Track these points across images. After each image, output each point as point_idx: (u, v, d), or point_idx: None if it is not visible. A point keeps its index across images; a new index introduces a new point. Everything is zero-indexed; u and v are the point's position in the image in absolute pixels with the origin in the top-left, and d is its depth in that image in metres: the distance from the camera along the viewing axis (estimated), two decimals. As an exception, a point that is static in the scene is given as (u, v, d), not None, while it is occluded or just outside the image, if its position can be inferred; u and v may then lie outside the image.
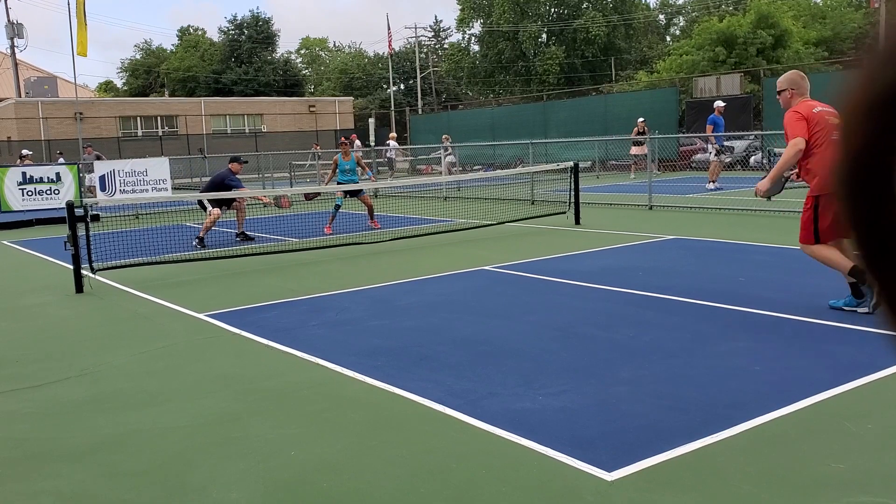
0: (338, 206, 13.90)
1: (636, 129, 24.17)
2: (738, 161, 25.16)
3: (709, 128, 19.03)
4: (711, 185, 18.44)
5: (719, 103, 19.70)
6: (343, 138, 15.24)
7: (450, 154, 25.90)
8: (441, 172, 26.09)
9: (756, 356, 5.30)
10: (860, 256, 0.50)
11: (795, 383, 4.69)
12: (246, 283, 9.08)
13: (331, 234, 13.30)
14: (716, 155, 18.71)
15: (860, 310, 6.19)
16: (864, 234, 0.48)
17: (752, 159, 24.20)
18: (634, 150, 24.14)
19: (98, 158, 21.47)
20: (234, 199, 13.00)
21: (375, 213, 14.46)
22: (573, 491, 3.45)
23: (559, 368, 5.22)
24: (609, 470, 3.61)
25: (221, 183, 12.64)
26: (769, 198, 7.18)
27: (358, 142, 35.40)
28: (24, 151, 23.40)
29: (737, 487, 3.41)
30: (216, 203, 12.67)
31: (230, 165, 12.98)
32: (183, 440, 4.29)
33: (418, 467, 3.79)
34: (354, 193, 13.90)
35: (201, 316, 7.40)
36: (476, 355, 5.62)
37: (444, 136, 28.07)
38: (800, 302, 6.76)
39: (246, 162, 13.45)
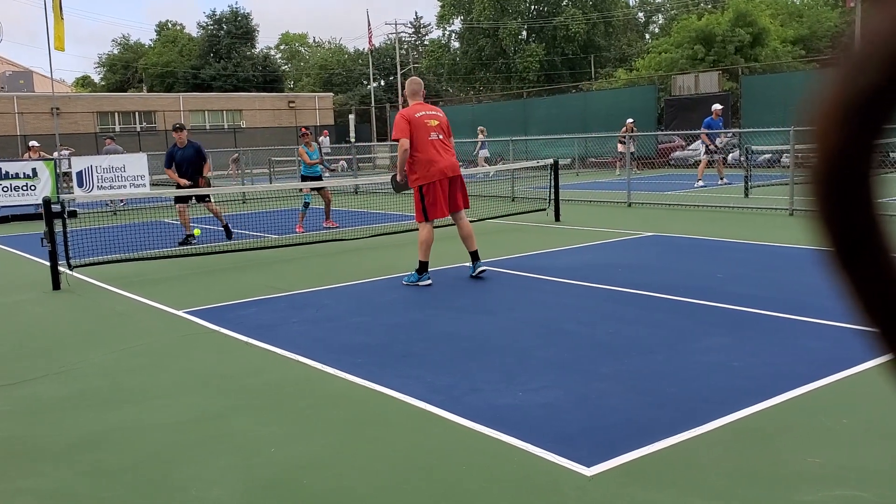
0: (307, 204, 13.51)
1: (625, 128, 24.11)
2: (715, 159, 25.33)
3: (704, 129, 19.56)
4: (701, 183, 18.93)
5: (717, 106, 20.06)
6: (304, 128, 14.63)
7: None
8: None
9: (734, 352, 5.35)
10: (833, 256, 0.51)
11: (773, 379, 4.75)
12: (225, 280, 9.04)
13: (303, 232, 12.97)
14: (706, 153, 19.28)
15: (422, 283, 8.14)
16: (837, 235, 0.50)
17: (730, 156, 24.38)
18: (622, 148, 24.19)
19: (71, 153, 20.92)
20: (204, 196, 12.47)
21: (357, 211, 14.36)
22: (553, 486, 3.48)
23: (540, 364, 5.25)
24: (588, 465, 3.64)
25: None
26: (398, 192, 8.83)
27: (326, 138, 35.10)
28: (33, 143, 22.83)
29: (714, 482, 3.45)
30: (178, 198, 12.33)
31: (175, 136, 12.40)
32: (163, 438, 4.28)
33: (400, 464, 3.80)
34: (316, 187, 13.48)
35: (180, 313, 7.36)
36: (458, 352, 5.64)
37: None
38: (777, 298, 6.83)
39: (181, 127, 12.47)
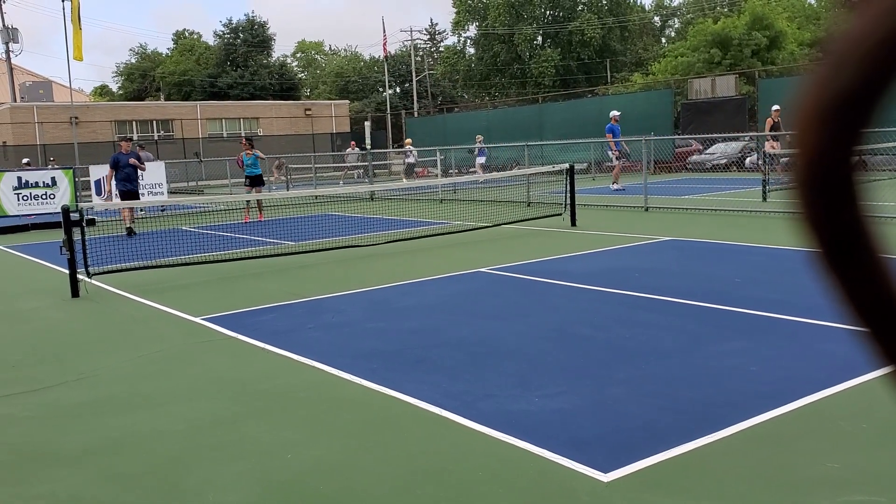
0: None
1: (770, 120, 20.16)
2: (733, 162, 25.25)
3: (608, 136, 20.10)
4: (615, 186, 19.73)
5: (614, 112, 20.92)
6: (244, 139, 18.22)
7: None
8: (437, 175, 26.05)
9: (751, 356, 5.31)
10: (820, 258, 0.51)
11: (790, 383, 4.70)
12: (242, 287, 9.08)
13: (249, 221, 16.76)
14: (617, 159, 20.07)
15: None
16: (822, 235, 0.50)
17: (747, 160, 24.25)
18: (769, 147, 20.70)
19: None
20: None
21: (373, 217, 14.61)
22: (569, 492, 3.46)
23: (555, 369, 5.23)
24: (605, 471, 3.62)
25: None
26: None
27: (357, 149, 34.96)
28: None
29: (732, 487, 3.42)
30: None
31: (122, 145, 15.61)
32: (179, 443, 4.30)
33: (414, 469, 3.79)
34: (255, 183, 17.84)
35: (198, 319, 7.40)
36: (472, 357, 5.63)
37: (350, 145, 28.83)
38: (795, 302, 6.78)
39: (130, 139, 16.08)
